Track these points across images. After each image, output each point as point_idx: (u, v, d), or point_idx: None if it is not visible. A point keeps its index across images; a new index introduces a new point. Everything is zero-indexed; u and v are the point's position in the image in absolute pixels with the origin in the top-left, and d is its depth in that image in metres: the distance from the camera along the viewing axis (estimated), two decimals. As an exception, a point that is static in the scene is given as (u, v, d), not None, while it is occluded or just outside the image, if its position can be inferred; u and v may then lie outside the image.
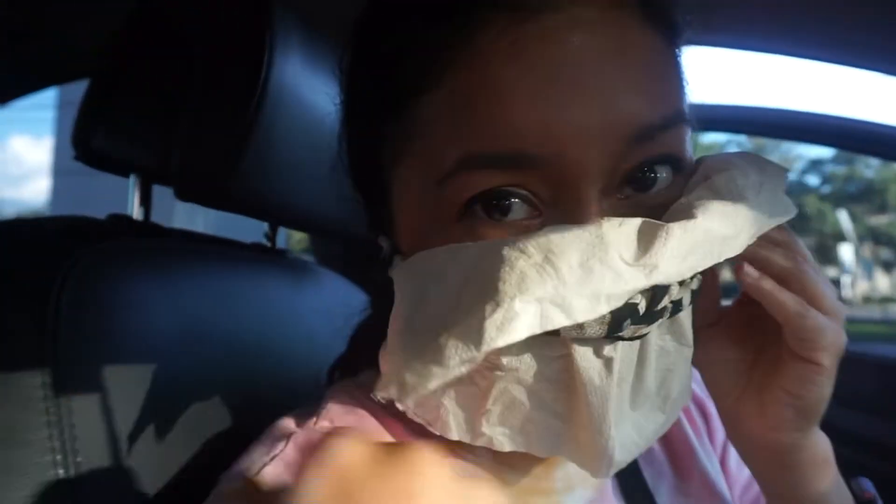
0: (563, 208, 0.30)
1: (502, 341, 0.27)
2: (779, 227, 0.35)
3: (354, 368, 0.45)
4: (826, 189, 16.75)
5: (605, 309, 0.28)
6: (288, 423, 0.39)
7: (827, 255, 18.12)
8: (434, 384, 0.30)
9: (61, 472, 0.38)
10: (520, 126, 0.29)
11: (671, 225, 0.29)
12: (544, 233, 0.28)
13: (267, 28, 0.52)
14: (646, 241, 0.29)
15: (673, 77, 0.34)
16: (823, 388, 0.35)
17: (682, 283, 0.31)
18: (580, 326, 0.29)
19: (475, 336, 0.27)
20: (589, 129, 0.29)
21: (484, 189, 0.30)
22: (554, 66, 0.29)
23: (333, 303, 0.77)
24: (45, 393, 0.39)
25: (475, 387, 0.32)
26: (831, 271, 18.32)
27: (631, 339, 0.31)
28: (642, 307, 0.30)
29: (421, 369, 0.30)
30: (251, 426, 0.39)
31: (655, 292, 0.30)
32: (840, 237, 17.46)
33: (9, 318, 0.39)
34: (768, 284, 0.35)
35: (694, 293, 0.32)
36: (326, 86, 0.56)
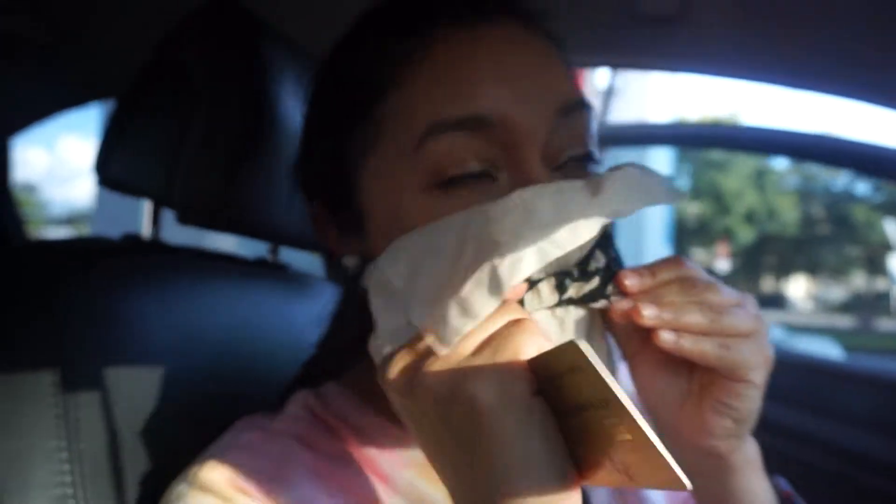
0: (512, 171, 0.38)
1: (516, 280, 0.33)
2: (671, 260, 0.39)
3: (316, 378, 0.50)
4: (878, 198, 16.24)
5: (584, 236, 0.34)
6: (243, 422, 0.45)
7: (876, 265, 17.50)
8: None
9: (65, 455, 0.45)
10: (476, 96, 0.37)
11: (612, 172, 0.37)
12: (517, 193, 0.35)
13: (259, 62, 0.59)
14: (595, 186, 0.36)
15: (571, 76, 0.42)
16: (756, 399, 0.39)
17: (604, 251, 0.38)
18: (538, 295, 0.36)
19: (494, 283, 0.33)
20: (527, 97, 0.38)
21: (451, 155, 0.37)
22: (498, 58, 0.38)
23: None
24: (55, 390, 0.46)
25: None
26: (881, 282, 17.69)
27: (578, 301, 0.37)
28: (575, 273, 0.37)
29: (447, 323, 0.33)
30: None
31: (585, 257, 0.37)
32: (889, 247, 16.84)
33: (23, 329, 0.47)
34: (687, 343, 0.37)
35: (615, 263, 0.38)
36: None
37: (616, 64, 0.84)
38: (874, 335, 14.04)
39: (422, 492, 0.43)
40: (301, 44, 0.70)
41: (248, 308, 0.70)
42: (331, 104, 0.44)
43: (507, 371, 0.31)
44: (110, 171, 0.65)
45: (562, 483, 0.30)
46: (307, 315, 0.79)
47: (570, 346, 0.29)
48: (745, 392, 0.38)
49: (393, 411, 0.38)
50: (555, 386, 0.31)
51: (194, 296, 0.62)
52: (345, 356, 0.51)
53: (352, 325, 0.50)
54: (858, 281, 18.26)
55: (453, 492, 0.34)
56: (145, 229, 0.67)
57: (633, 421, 0.28)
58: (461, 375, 0.31)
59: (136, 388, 0.51)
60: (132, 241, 0.65)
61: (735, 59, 0.79)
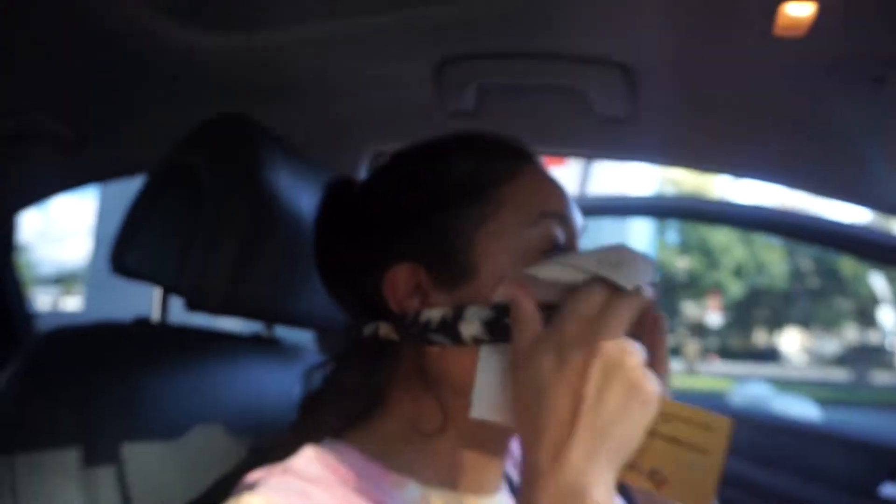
0: (569, 247, 0.56)
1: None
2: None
3: (316, 436, 0.56)
4: (863, 250, 16.58)
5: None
6: (253, 474, 0.50)
7: (867, 317, 17.60)
8: None
9: None
10: (563, 204, 0.57)
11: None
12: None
13: (258, 161, 0.68)
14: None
15: None
16: None
17: None
18: None
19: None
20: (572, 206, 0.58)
21: (554, 236, 0.54)
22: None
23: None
24: (79, 464, 0.53)
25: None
26: (873, 335, 17.75)
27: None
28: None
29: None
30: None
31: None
32: (878, 300, 16.99)
33: (48, 413, 0.54)
34: None
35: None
36: (311, 198, 0.72)
37: (578, 155, 0.94)
38: (871, 389, 13.98)
39: None
40: (297, 146, 0.80)
41: (247, 383, 0.77)
42: (435, 190, 0.57)
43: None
44: (125, 260, 0.73)
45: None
46: (289, 374, 0.86)
47: (726, 423, 0.40)
48: None
49: (399, 465, 0.51)
50: (669, 418, 0.42)
51: (201, 375, 0.69)
52: (351, 420, 0.57)
53: (358, 393, 0.56)
54: (851, 334, 18.31)
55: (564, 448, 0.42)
56: (154, 313, 0.75)
57: (720, 462, 0.39)
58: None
59: (149, 462, 0.58)
60: (143, 324, 0.72)
61: (682, 152, 0.89)
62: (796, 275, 17.96)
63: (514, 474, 0.64)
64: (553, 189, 0.58)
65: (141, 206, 0.74)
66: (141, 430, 0.59)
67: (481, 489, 0.56)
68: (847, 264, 16.41)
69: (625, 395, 0.42)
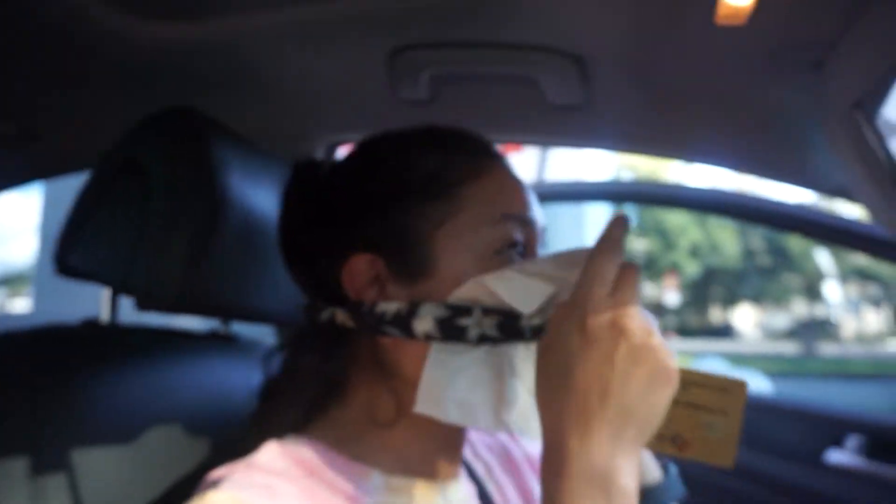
0: (528, 251, 0.57)
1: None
2: None
3: (276, 430, 0.55)
4: (810, 228, 17.21)
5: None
6: (217, 471, 0.50)
7: (814, 292, 18.31)
8: None
9: None
10: (526, 206, 0.57)
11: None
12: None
13: (208, 153, 0.67)
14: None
15: None
16: None
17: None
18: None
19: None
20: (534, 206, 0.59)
21: (512, 237, 0.55)
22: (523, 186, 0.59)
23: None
24: (28, 473, 0.51)
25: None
26: (819, 309, 18.49)
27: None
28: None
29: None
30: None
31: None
32: (824, 276, 17.71)
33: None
34: None
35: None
36: (265, 191, 0.71)
37: (533, 142, 0.95)
38: (818, 360, 14.59)
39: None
40: (245, 137, 0.78)
41: (204, 380, 0.76)
42: (399, 184, 0.57)
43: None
44: (70, 260, 0.70)
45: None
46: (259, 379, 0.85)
47: (742, 386, 0.42)
48: None
49: (360, 455, 0.52)
50: (687, 386, 0.44)
51: (154, 375, 0.67)
52: (311, 410, 0.57)
53: (316, 379, 0.56)
54: (799, 308, 19.06)
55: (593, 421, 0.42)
56: (103, 314, 0.72)
57: (738, 423, 0.41)
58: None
59: (102, 466, 0.56)
60: (92, 326, 0.70)
61: (635, 139, 0.91)
62: (748, 254, 18.55)
63: (473, 461, 0.65)
64: (515, 190, 0.58)
65: (86, 203, 0.71)
66: (92, 435, 0.58)
67: (440, 476, 0.57)
68: (795, 242, 17.03)
69: (650, 375, 0.42)
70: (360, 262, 0.55)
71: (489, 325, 0.50)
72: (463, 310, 0.51)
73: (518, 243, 0.55)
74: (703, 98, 0.83)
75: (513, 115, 0.93)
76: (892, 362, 14.29)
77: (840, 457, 1.29)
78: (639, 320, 0.43)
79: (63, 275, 0.72)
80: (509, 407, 0.51)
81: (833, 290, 17.78)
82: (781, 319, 19.53)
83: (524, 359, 0.52)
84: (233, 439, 0.62)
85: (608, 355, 0.42)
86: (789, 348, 16.50)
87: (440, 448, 0.58)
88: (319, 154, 1.10)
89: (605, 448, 0.41)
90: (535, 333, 0.51)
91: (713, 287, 19.15)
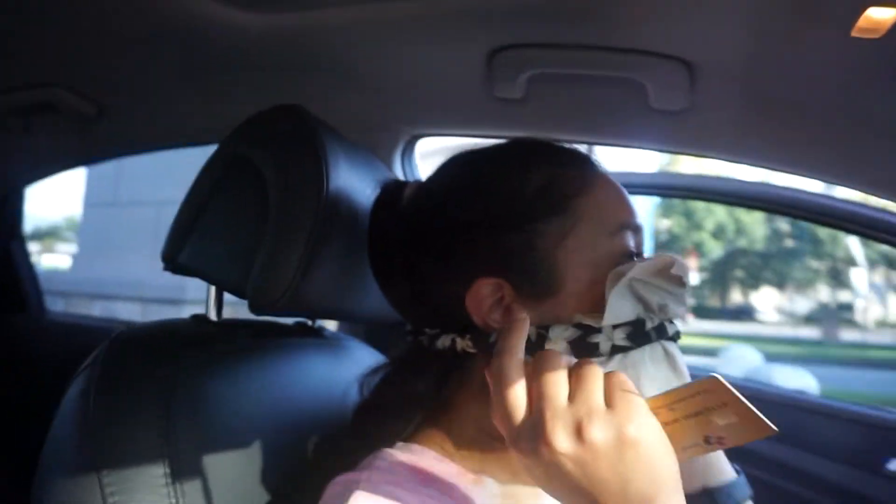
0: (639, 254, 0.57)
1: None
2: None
3: (383, 437, 0.56)
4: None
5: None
6: (336, 483, 0.50)
7: (839, 278, 18.06)
8: None
9: None
10: (634, 214, 0.57)
11: None
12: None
13: (323, 156, 0.66)
14: None
15: None
16: None
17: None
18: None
19: None
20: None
21: (629, 245, 0.55)
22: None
23: (360, 369, 0.90)
24: (166, 481, 0.52)
25: None
26: (844, 295, 18.27)
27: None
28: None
29: None
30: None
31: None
32: (851, 262, 17.43)
33: (135, 428, 0.53)
34: None
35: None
36: (366, 191, 0.70)
37: (626, 145, 0.93)
38: (838, 346, 14.47)
39: None
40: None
41: (305, 375, 0.76)
42: (517, 202, 0.56)
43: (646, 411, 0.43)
44: (180, 258, 0.71)
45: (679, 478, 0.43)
46: (349, 373, 0.85)
47: (714, 381, 0.42)
48: None
49: (473, 466, 0.53)
50: (674, 406, 0.43)
51: (263, 371, 0.68)
52: (422, 424, 0.57)
53: (430, 397, 0.57)
54: (823, 294, 18.82)
55: None
56: (211, 312, 0.73)
57: (744, 404, 0.41)
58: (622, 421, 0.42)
59: (231, 471, 0.57)
60: (202, 321, 0.71)
61: (736, 147, 0.88)
62: (774, 236, 18.29)
63: None
64: (623, 199, 0.57)
65: (196, 200, 0.71)
66: (220, 438, 0.59)
67: None
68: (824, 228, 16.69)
69: (647, 459, 0.42)
70: (484, 288, 0.54)
71: (619, 337, 0.51)
72: (593, 328, 0.51)
73: (633, 252, 0.55)
74: (817, 111, 0.80)
75: (609, 118, 0.91)
76: (914, 352, 14.13)
77: (903, 467, 1.28)
78: (602, 421, 0.42)
79: (172, 272, 0.72)
80: None
81: (860, 277, 17.51)
82: (803, 304, 19.32)
83: (653, 360, 0.53)
84: (336, 438, 0.63)
85: (597, 466, 0.42)
86: (810, 332, 16.36)
87: None
88: (400, 146, 1.09)
89: None
90: (660, 334, 0.53)
91: (736, 268, 18.96)
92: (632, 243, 0.55)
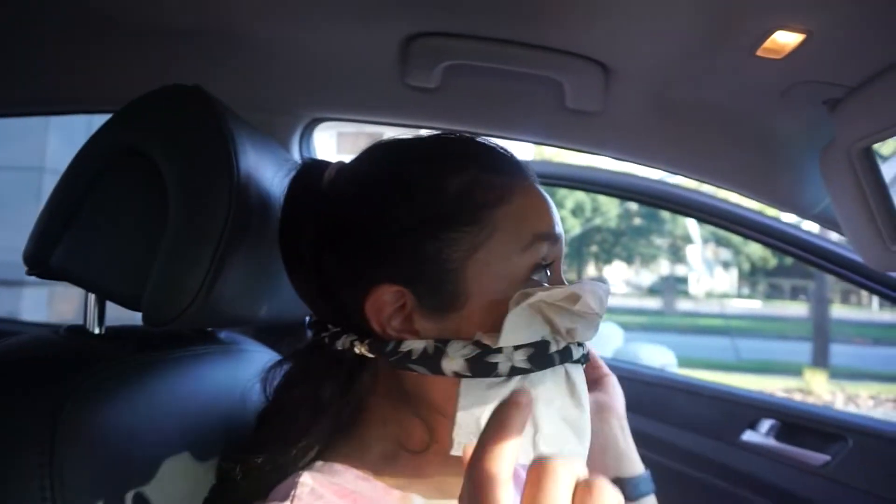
0: (554, 268, 0.55)
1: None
2: None
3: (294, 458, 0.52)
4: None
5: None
6: None
7: (678, 254, 20.05)
8: None
9: None
10: (554, 223, 0.55)
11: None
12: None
13: (233, 149, 0.58)
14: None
15: None
16: None
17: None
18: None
19: None
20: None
21: (542, 257, 0.52)
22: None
23: (255, 370, 0.83)
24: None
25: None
26: (681, 269, 20.31)
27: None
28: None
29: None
30: None
31: None
32: (688, 239, 19.41)
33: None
34: None
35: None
36: (272, 182, 0.63)
37: (536, 142, 0.93)
38: (675, 315, 16.11)
39: None
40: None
41: (204, 389, 0.68)
42: (432, 208, 0.52)
43: None
44: (53, 260, 0.60)
45: None
46: (242, 374, 0.78)
47: None
48: None
49: (397, 482, 0.51)
50: None
51: (161, 394, 0.60)
52: (332, 436, 0.53)
53: (335, 407, 0.53)
54: (664, 268, 20.83)
55: None
56: (89, 320, 0.63)
57: None
58: None
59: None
60: (81, 335, 0.61)
61: (641, 150, 0.91)
62: (626, 215, 19.85)
63: None
64: (544, 208, 0.55)
65: (70, 195, 0.60)
66: (118, 475, 0.50)
67: None
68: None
69: None
70: (386, 294, 0.51)
71: (520, 359, 0.49)
72: (492, 348, 0.49)
73: (546, 263, 0.53)
74: (716, 120, 0.85)
75: (523, 114, 0.90)
76: (736, 319, 16.09)
77: (754, 437, 1.44)
78: None
79: (39, 276, 0.61)
80: (544, 433, 0.51)
81: (694, 253, 19.56)
82: (648, 277, 21.26)
83: (554, 383, 0.52)
84: (241, 456, 0.57)
85: None
86: (652, 303, 18.06)
87: None
88: (298, 129, 1.01)
89: None
90: (564, 357, 0.51)
91: (591, 245, 20.37)
92: (545, 254, 0.53)
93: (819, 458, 1.33)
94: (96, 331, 0.63)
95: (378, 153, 0.57)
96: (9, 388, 0.50)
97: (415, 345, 0.50)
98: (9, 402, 0.49)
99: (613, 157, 0.93)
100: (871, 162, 0.77)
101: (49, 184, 0.62)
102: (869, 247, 0.80)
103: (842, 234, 0.86)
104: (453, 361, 0.49)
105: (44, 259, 0.60)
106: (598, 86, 0.81)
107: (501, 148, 0.58)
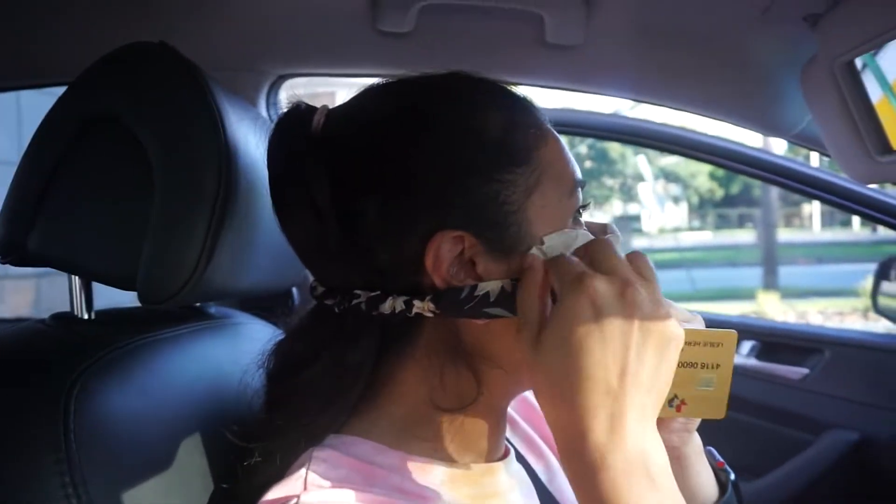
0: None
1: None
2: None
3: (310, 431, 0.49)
4: (626, 134, 19.03)
5: None
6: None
7: (630, 193, 20.42)
8: None
9: None
10: (574, 166, 0.53)
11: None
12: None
13: (218, 112, 0.54)
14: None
15: None
16: None
17: None
18: None
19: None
20: None
21: (580, 202, 0.52)
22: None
23: (254, 343, 0.80)
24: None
25: None
26: (633, 207, 20.74)
27: None
28: None
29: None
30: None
31: None
32: (639, 178, 19.78)
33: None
34: None
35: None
36: (257, 146, 0.60)
37: (519, 82, 0.90)
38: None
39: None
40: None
41: (204, 369, 0.65)
42: (477, 146, 0.48)
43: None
44: (31, 243, 0.55)
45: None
46: (242, 349, 0.75)
47: (732, 336, 0.43)
48: None
49: (420, 449, 0.49)
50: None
51: (164, 376, 0.57)
52: (352, 411, 0.50)
53: (363, 373, 0.49)
54: (617, 208, 21.23)
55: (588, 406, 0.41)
56: (79, 308, 0.58)
57: (729, 374, 0.43)
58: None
59: (152, 496, 0.47)
60: (71, 322, 0.56)
61: (624, 83, 0.90)
62: (576, 159, 20.05)
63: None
64: (569, 154, 0.53)
65: (39, 170, 0.55)
66: (133, 463, 0.48)
67: (499, 455, 0.56)
68: (614, 148, 18.64)
69: (659, 348, 0.42)
70: (445, 242, 0.47)
71: None
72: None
73: (581, 207, 0.52)
74: (698, 46, 0.84)
75: (503, 53, 0.87)
76: (689, 251, 16.61)
77: (736, 359, 1.49)
78: (649, 299, 0.42)
79: (16, 264, 0.56)
80: None
81: (646, 190, 19.95)
82: (602, 218, 21.70)
83: None
84: (244, 436, 0.54)
85: (622, 339, 0.41)
86: (607, 244, 18.45)
87: (502, 426, 0.56)
88: (264, 88, 0.95)
89: (636, 433, 0.40)
90: None
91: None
92: (581, 200, 0.52)
93: (799, 371, 1.39)
94: (85, 316, 0.59)
95: (375, 93, 0.52)
96: (9, 388, 0.46)
97: (491, 285, 0.47)
98: (14, 404, 0.45)
99: (594, 93, 0.91)
100: (854, 76, 0.77)
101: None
102: (854, 161, 0.81)
103: (824, 152, 0.87)
104: None
105: (19, 244, 0.55)
106: (578, 17, 0.78)
107: (515, 91, 0.54)
